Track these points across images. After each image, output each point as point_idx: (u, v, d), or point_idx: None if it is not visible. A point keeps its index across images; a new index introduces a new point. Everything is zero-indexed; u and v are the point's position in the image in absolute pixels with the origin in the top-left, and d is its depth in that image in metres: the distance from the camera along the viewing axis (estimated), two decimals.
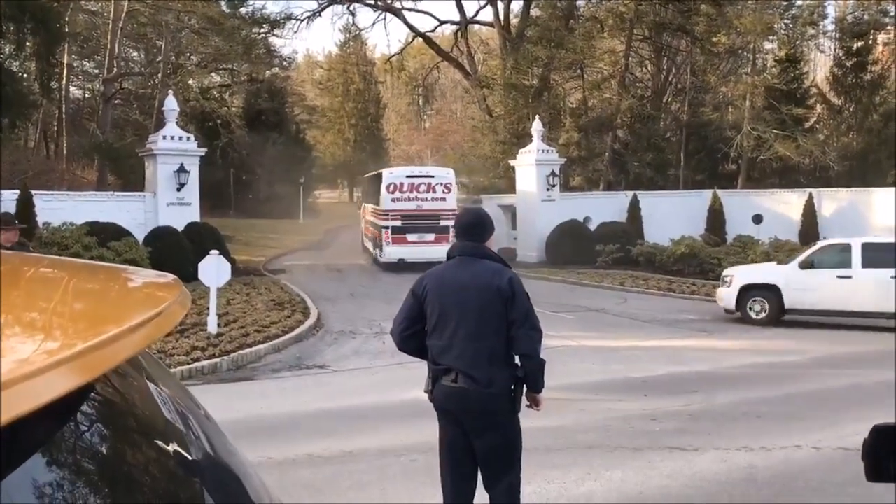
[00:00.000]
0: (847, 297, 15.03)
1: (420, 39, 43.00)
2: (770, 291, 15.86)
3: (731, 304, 16.19)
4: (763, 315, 15.80)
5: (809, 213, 28.14)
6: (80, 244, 17.49)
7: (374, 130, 69.72)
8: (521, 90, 35.36)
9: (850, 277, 15.08)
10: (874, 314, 15.01)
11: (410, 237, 24.69)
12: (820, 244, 16.86)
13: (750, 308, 16.01)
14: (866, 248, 15.21)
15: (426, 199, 25.16)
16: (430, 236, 24.56)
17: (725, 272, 17.16)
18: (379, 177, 26.85)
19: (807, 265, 15.69)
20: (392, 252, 24.90)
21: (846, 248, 15.45)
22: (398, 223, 24.93)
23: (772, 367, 11.36)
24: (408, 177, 25.96)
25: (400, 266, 23.75)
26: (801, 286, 15.48)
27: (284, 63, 48.05)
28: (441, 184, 25.48)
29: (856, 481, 5.94)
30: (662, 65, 38.82)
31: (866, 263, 15.02)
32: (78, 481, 0.89)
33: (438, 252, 25.01)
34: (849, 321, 15.21)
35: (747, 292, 16.05)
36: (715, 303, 17.37)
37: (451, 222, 25.58)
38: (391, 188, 25.35)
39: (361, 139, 66.90)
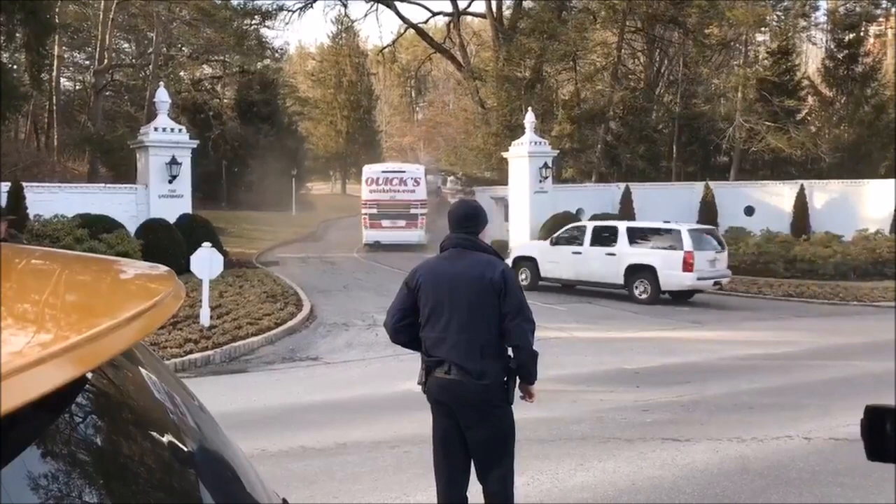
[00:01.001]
0: (579, 269, 18.43)
1: (412, 31, 42.89)
2: (531, 262, 19.34)
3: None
4: (527, 282, 18.82)
5: (801, 204, 28.21)
6: (71, 236, 17.40)
7: (367, 122, 69.46)
8: (514, 82, 35.31)
9: (580, 253, 18.24)
10: (597, 283, 18.35)
11: (385, 223, 28.92)
12: (569, 226, 20.21)
13: (518, 276, 18.33)
14: (595, 229, 18.62)
15: (398, 191, 29.22)
16: (402, 222, 29.00)
17: (511, 245, 20.33)
18: None
19: (555, 242, 19.10)
20: (369, 235, 29.17)
21: (582, 229, 18.88)
22: (374, 211, 29.18)
23: (763, 359, 11.41)
24: (383, 172, 30.30)
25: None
26: (550, 259, 18.97)
27: (276, 54, 47.83)
28: (411, 178, 29.57)
29: (847, 471, 6.00)
30: (655, 57, 38.79)
31: (593, 242, 18.24)
32: (73, 473, 0.89)
33: (408, 236, 28.45)
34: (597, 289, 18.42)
35: (518, 263, 19.30)
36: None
37: (420, 211, 28.94)
38: (369, 181, 29.61)
39: (354, 131, 66.64)
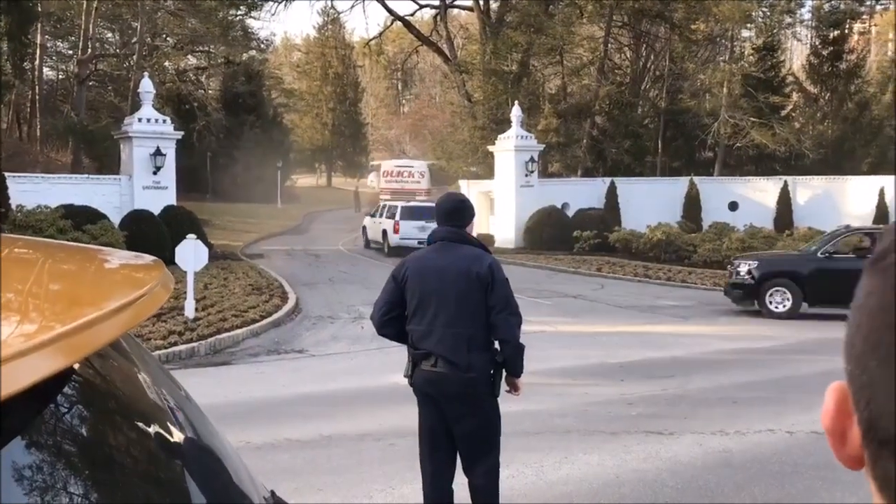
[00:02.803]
0: (377, 233, 27.04)
1: (399, 23, 42.75)
2: (363, 232, 28.99)
3: (362, 243, 29.14)
4: (361, 245, 28.86)
5: (784, 200, 28.40)
6: (54, 227, 17.26)
7: (353, 115, 69.18)
8: (501, 76, 35.28)
9: (379, 223, 25.67)
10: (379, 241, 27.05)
11: None
12: (383, 204, 28.48)
13: (364, 240, 28.91)
14: (403, 209, 25.45)
15: (407, 182, 38.16)
16: None
17: (364, 221, 29.56)
18: None
19: (372, 215, 28.25)
20: None
21: (394, 208, 25.88)
22: (388, 196, 36.07)
23: (747, 353, 11.49)
24: (396, 166, 40.20)
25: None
26: (371, 227, 27.86)
27: (262, 46, 47.47)
28: (417, 171, 38.92)
29: (829, 465, 6.04)
30: (641, 51, 38.88)
31: (402, 217, 25.02)
32: (59, 464, 0.88)
33: None
34: None
35: (363, 232, 29.13)
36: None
37: (423, 197, 34.05)
38: (385, 174, 39.71)
39: (340, 123, 66.39)
